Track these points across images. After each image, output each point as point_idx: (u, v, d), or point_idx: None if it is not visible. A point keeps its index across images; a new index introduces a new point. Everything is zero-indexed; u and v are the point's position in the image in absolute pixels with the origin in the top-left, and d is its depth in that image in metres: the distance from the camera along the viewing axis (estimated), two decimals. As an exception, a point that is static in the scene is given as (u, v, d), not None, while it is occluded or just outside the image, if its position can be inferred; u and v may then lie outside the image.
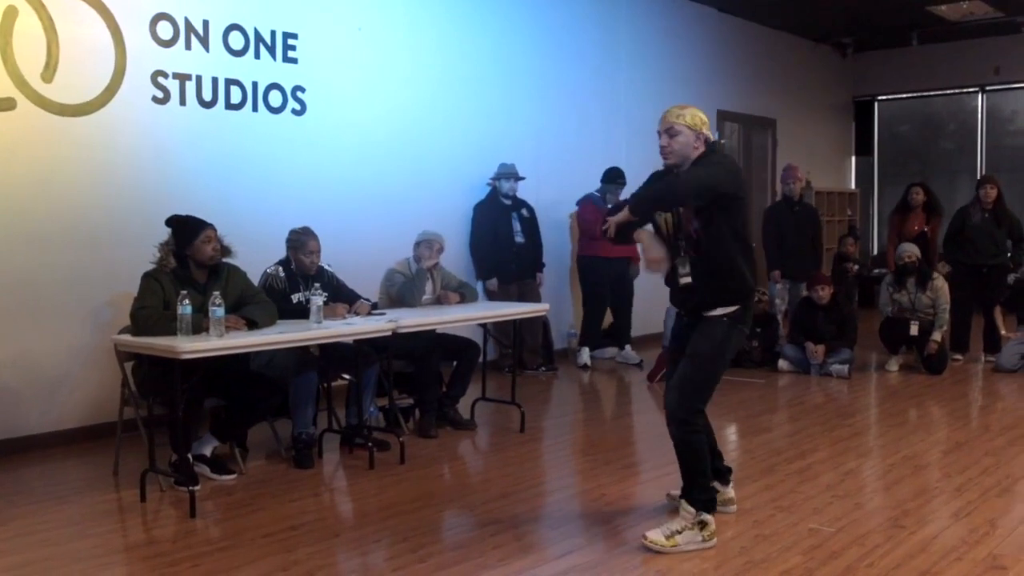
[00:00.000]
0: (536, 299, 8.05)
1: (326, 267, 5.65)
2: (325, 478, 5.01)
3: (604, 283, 8.40)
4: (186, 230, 4.79)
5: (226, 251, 4.95)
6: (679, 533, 3.81)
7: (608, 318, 8.64)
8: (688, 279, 3.87)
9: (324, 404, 5.65)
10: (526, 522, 4.25)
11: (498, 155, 8.08)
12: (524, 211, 8.09)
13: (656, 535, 3.82)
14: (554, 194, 8.69)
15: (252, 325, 4.77)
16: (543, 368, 8.17)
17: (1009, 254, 8.43)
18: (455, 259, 7.90)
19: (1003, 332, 8.17)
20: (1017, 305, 8.17)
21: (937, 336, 7.85)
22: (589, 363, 8.44)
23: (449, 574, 3.62)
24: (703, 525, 3.83)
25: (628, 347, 8.62)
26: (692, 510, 3.84)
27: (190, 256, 4.79)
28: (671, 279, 3.97)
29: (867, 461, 5.23)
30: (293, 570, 3.69)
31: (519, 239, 8.00)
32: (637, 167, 9.09)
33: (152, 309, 4.59)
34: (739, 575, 3.58)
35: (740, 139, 11.77)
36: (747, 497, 4.48)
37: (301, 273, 5.45)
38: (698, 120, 3.82)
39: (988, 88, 12.70)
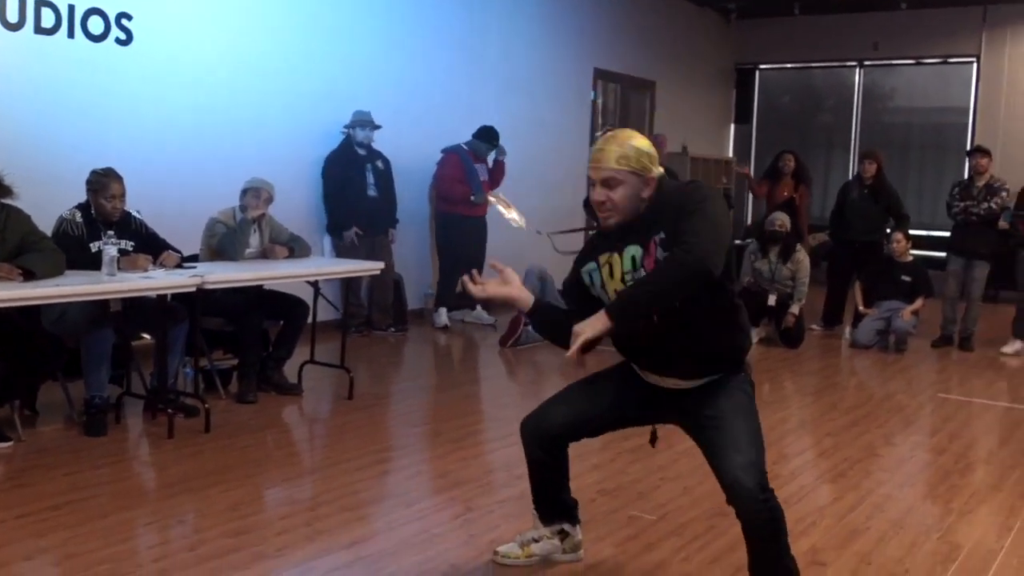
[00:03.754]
0: (387, 256, 7.62)
1: (134, 214, 5.10)
2: (116, 448, 4.51)
3: (461, 242, 8.02)
4: (-50, 166, 4.19)
5: (4, 191, 4.36)
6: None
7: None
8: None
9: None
10: (323, 503, 3.85)
11: (355, 102, 7.57)
12: (379, 163, 7.61)
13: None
14: (414, 147, 8.21)
15: (29, 276, 4.21)
16: (392, 328, 7.76)
17: (889, 231, 8.33)
18: (305, 211, 7.41)
19: (860, 308, 8.09)
20: (878, 281, 8.09)
21: (795, 309, 7.72)
22: (448, 324, 8.08)
23: (216, 566, 3.19)
24: None
25: (479, 307, 8.28)
26: None
27: (-44, 194, 4.20)
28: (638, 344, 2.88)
29: (706, 440, 4.98)
30: (37, 560, 3.22)
31: (372, 192, 7.53)
32: (507, 124, 8.74)
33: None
34: (538, 570, 3.25)
35: (617, 100, 11.46)
36: (572, 478, 4.16)
37: (102, 219, 4.88)
38: (645, 159, 2.72)
39: (866, 63, 12.68)
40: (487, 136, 8.02)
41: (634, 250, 2.74)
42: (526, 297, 2.91)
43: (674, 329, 2.73)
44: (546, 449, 3.08)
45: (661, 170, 2.79)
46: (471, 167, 8.03)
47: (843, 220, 8.50)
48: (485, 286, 2.91)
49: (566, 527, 3.27)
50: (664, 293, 2.57)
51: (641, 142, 2.76)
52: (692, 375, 2.85)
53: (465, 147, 8.03)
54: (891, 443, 5.06)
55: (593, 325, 2.57)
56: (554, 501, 3.25)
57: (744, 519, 2.72)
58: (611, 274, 2.80)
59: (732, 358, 2.85)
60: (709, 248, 2.54)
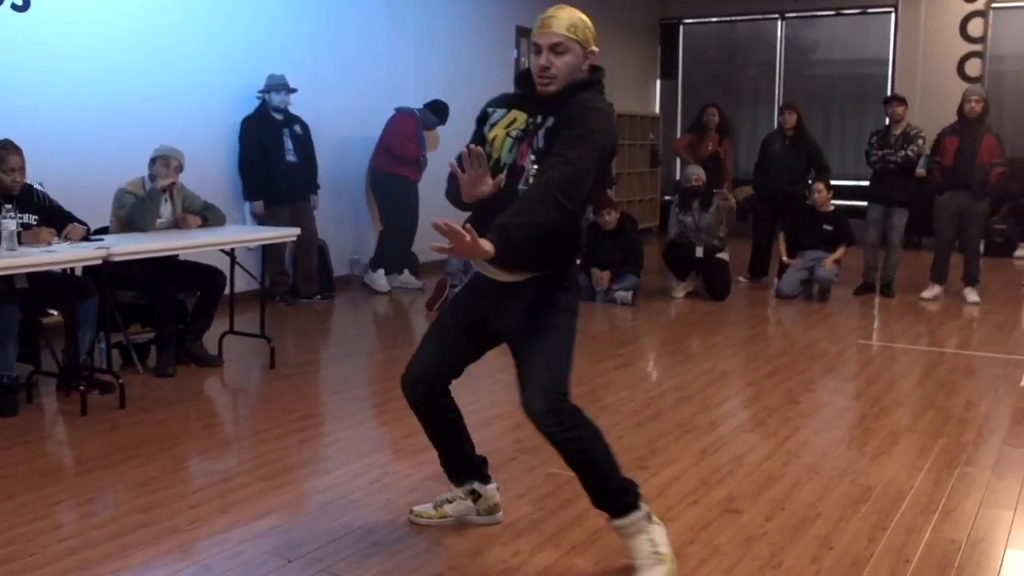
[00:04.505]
0: (310, 222, 7.52)
1: (36, 186, 4.93)
2: (26, 428, 4.38)
3: (406, 204, 7.95)
4: None
5: None
6: (655, 554, 2.87)
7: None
8: None
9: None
10: (240, 474, 3.78)
11: (268, 66, 7.39)
12: (297, 127, 7.47)
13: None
14: (333, 109, 8.07)
15: (-77, 254, 4.06)
16: (319, 296, 7.67)
17: (811, 181, 8.40)
18: (221, 179, 7.26)
19: (784, 259, 8.18)
20: (800, 231, 8.19)
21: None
22: (390, 289, 8.02)
23: (127, 541, 3.13)
24: (650, 518, 2.90)
25: (406, 271, 8.22)
26: (633, 518, 2.86)
27: None
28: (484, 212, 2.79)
29: (628, 394, 5.01)
30: (-63, 544, 3.12)
31: (290, 158, 7.39)
32: (427, 83, 8.64)
33: None
34: (454, 531, 3.24)
35: (542, 58, 11.37)
36: (490, 439, 4.16)
37: (1, 192, 4.71)
38: (589, 34, 2.78)
39: (787, 15, 12.75)
40: (441, 112, 7.99)
41: (541, 120, 2.77)
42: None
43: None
44: (426, 398, 3.03)
45: (597, 51, 2.81)
46: (421, 134, 7.97)
47: (766, 172, 8.58)
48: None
49: (476, 486, 3.24)
50: (535, 225, 2.56)
51: (584, 16, 2.80)
52: (516, 264, 2.78)
53: (418, 114, 7.96)
54: (810, 390, 5.14)
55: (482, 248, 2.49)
56: (458, 459, 3.21)
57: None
58: (508, 124, 2.84)
59: (557, 256, 2.82)
60: (576, 180, 2.59)
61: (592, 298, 7.70)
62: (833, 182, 8.26)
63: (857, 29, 12.48)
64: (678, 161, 13.39)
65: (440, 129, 8.38)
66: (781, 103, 9.26)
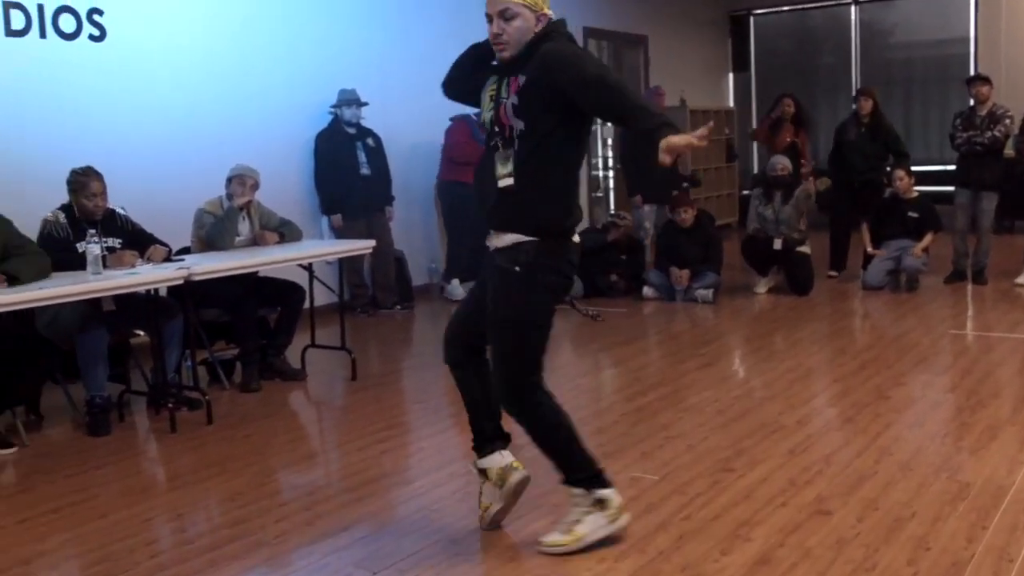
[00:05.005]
0: (386, 234, 7.57)
1: (119, 210, 5.06)
2: (118, 446, 4.48)
3: (464, 211, 7.94)
4: (-77, 175, 4.15)
5: (-19, 197, 4.33)
6: (579, 523, 3.06)
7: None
8: (510, 181, 2.92)
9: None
10: (324, 487, 3.82)
11: (340, 81, 7.48)
12: (370, 140, 7.53)
13: (553, 537, 3.07)
14: (404, 121, 8.12)
15: (14, 281, 4.18)
16: (398, 306, 7.72)
17: (889, 168, 8.19)
18: (298, 195, 7.36)
19: (869, 249, 7.96)
20: (884, 221, 7.96)
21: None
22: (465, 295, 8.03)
23: (216, 556, 3.17)
24: (602, 503, 3.07)
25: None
26: (581, 490, 3.06)
27: (-67, 205, 4.16)
28: (484, 177, 3.03)
29: (711, 394, 4.91)
30: (36, 563, 3.21)
31: (364, 171, 7.45)
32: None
33: None
34: (540, 534, 3.20)
35: (611, 58, 11.31)
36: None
37: (85, 218, 4.84)
38: None
39: (861, 1, 12.43)
40: None
41: (506, 81, 2.94)
42: None
43: (508, 166, 2.91)
44: (460, 358, 3.23)
45: (551, 13, 2.94)
46: (478, 135, 7.95)
47: (842, 160, 8.35)
48: None
49: (499, 448, 3.20)
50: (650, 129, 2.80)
51: None
52: (498, 221, 2.97)
53: (474, 116, 7.96)
54: (901, 384, 4.97)
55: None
56: (484, 425, 3.21)
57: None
58: (491, 97, 2.99)
59: (537, 215, 2.92)
60: (624, 89, 2.84)
61: (672, 297, 7.61)
62: (918, 168, 8.02)
63: (935, 8, 12.11)
64: (755, 154, 13.20)
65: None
66: (858, 89, 9.01)
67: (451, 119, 8.00)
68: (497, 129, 2.96)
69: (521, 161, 2.91)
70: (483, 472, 3.20)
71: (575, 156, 3.02)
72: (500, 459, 3.19)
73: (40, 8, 5.76)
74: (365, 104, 7.40)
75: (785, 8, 13.10)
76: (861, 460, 3.83)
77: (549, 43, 2.91)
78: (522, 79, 2.89)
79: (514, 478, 3.16)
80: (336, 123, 7.41)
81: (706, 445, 4.09)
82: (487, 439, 3.20)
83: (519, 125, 2.89)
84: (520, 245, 2.93)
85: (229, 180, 5.53)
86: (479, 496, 3.26)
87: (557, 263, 2.97)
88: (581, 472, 3.08)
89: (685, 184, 9.14)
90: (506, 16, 2.87)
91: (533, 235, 2.93)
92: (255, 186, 5.55)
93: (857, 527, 3.18)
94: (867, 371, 5.24)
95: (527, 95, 2.87)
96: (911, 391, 4.87)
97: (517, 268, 2.92)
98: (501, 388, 3.03)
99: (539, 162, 2.91)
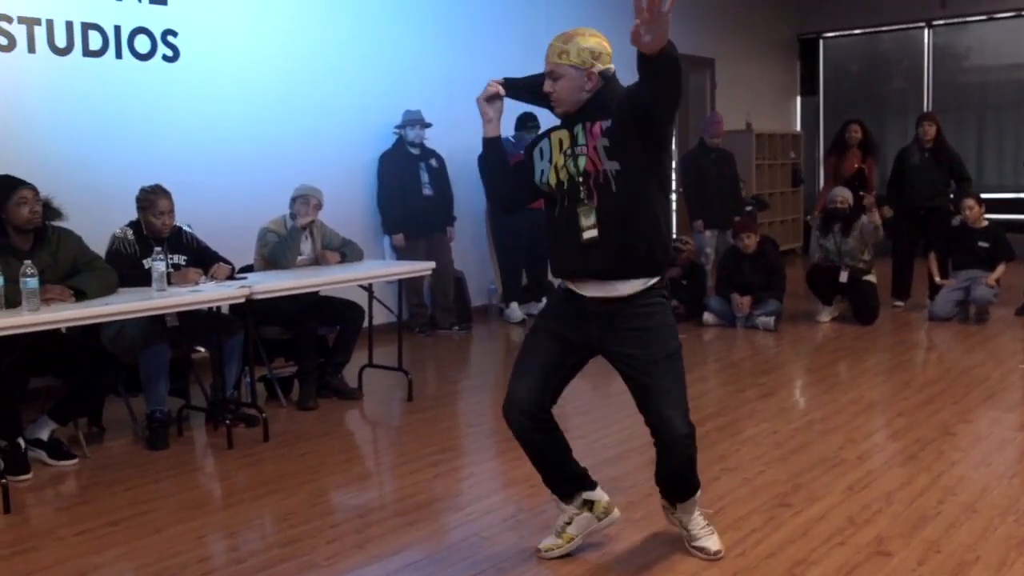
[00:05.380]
0: (446, 254, 7.61)
1: (185, 228, 5.15)
2: (176, 461, 4.55)
3: (514, 234, 7.95)
4: (-1, 191, 4.27)
5: (53, 214, 4.43)
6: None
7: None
8: (594, 232, 2.93)
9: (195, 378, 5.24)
10: (376, 509, 3.82)
11: (406, 102, 7.55)
12: (433, 161, 7.59)
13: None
14: (468, 142, 8.11)
15: (81, 296, 4.28)
16: (457, 327, 7.74)
17: (952, 195, 8.04)
18: (360, 214, 7.44)
19: (937, 279, 7.78)
20: (953, 250, 7.78)
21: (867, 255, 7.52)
22: (525, 318, 8.02)
23: (267, 575, 3.20)
24: (589, 504, 3.27)
25: (544, 299, 8.21)
26: (695, 503, 3.29)
27: (6, 220, 4.26)
28: (561, 234, 3.01)
29: (770, 425, 4.83)
30: (92, 576, 3.26)
31: (427, 191, 7.51)
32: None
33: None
34: (591, 572, 3.17)
35: (676, 80, 11.24)
36: (627, 474, 4.08)
37: (153, 235, 4.94)
38: (587, 55, 2.92)
39: (935, 23, 12.21)
40: (523, 123, 7.92)
41: (578, 129, 2.97)
42: (493, 126, 3.17)
43: (605, 211, 2.91)
44: (531, 424, 3.08)
45: (609, 67, 2.97)
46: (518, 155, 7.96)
47: (905, 187, 8.17)
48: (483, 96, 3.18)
49: (586, 495, 3.26)
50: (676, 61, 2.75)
51: (587, 40, 2.95)
52: (610, 270, 2.94)
53: (512, 139, 7.98)
54: (968, 420, 4.84)
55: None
56: (567, 475, 3.24)
57: (671, 455, 3.09)
58: (560, 147, 3.02)
59: (650, 256, 2.96)
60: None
61: (733, 324, 7.51)
62: (990, 195, 7.83)
63: (1010, 32, 11.82)
64: (821, 178, 12.99)
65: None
66: (920, 114, 8.80)
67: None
68: (581, 180, 2.95)
69: (623, 204, 2.91)
70: (587, 503, 3.25)
71: (669, 185, 3.06)
72: (603, 493, 3.31)
73: (117, 29, 5.91)
74: (429, 125, 7.46)
75: (856, 31, 12.92)
76: (923, 499, 3.72)
77: (618, 87, 2.98)
78: (604, 123, 2.91)
79: (616, 512, 3.31)
80: (400, 143, 7.48)
81: (763, 479, 4.01)
82: (580, 476, 3.27)
83: (614, 167, 2.90)
84: (653, 287, 2.99)
85: (293, 200, 5.60)
86: (561, 528, 3.26)
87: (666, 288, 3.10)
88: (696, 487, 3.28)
89: (749, 208, 9.04)
90: (553, 76, 2.97)
91: (658, 272, 3.00)
92: (319, 206, 5.62)
93: (918, 570, 3.09)
94: (932, 405, 5.11)
95: (617, 133, 2.89)
96: (978, 428, 4.73)
97: (661, 300, 3.01)
98: (682, 423, 3.04)
99: (642, 200, 2.93)
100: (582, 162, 2.94)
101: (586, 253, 2.95)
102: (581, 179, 2.94)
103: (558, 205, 3.02)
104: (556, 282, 3.19)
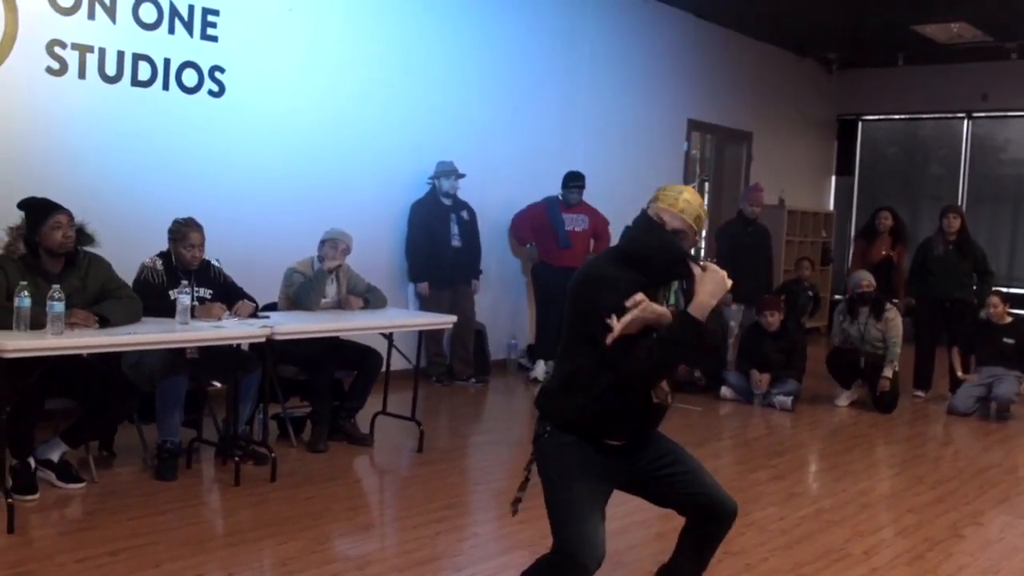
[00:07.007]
0: (469, 306, 7.64)
1: (214, 262, 5.22)
2: (182, 493, 4.57)
3: (548, 291, 7.98)
4: (34, 214, 4.34)
5: (86, 239, 4.51)
6: None
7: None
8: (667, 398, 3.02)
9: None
10: (374, 562, 3.82)
11: (441, 152, 7.64)
12: (464, 213, 7.66)
13: None
14: (501, 196, 8.24)
15: (105, 323, 4.34)
16: (473, 379, 7.75)
17: (975, 287, 8.02)
18: (388, 260, 7.50)
19: (959, 373, 7.72)
20: (977, 345, 7.72)
21: (888, 372, 7.40)
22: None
23: (259, 624, 3.19)
24: None
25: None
26: None
27: (40, 243, 4.35)
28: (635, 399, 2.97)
29: (777, 511, 4.78)
30: (87, 607, 3.28)
31: (456, 243, 7.57)
32: (596, 173, 8.69)
33: (-12, 299, 4.16)
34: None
35: (713, 151, 11.33)
36: (630, 548, 4.06)
37: (182, 267, 5.01)
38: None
39: (975, 115, 12.23)
40: (564, 181, 8.03)
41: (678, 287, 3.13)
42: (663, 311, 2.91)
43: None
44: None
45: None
46: (556, 216, 8.02)
47: (928, 277, 8.15)
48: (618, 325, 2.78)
49: None
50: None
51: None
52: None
53: (559, 197, 8.06)
54: (978, 523, 4.77)
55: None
56: None
57: (721, 528, 3.11)
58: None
59: None
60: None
61: (750, 400, 7.48)
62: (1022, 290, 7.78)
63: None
64: (850, 258, 12.97)
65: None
66: (944, 205, 8.81)
67: (545, 199, 8.12)
68: None
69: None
70: None
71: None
72: None
73: (167, 62, 6.04)
74: (463, 176, 7.54)
75: (896, 116, 12.95)
76: (927, 603, 3.68)
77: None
78: (677, 284, 3.13)
79: None
80: (433, 193, 7.55)
81: (766, 567, 3.97)
82: None
83: None
84: None
85: (322, 243, 5.67)
86: None
87: None
88: None
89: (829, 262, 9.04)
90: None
91: None
92: (347, 250, 5.68)
93: None
94: (944, 504, 5.05)
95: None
96: (989, 532, 4.67)
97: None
98: (736, 504, 3.13)
99: None
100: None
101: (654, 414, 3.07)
102: None
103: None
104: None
